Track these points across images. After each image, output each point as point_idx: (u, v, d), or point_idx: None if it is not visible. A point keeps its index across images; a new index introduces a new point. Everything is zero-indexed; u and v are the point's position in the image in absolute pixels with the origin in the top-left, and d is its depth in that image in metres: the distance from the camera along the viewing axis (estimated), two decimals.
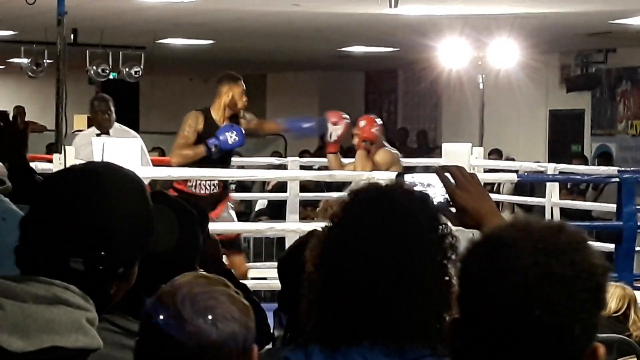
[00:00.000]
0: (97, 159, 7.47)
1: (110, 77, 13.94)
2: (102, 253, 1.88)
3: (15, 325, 1.76)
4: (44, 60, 13.70)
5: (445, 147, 9.18)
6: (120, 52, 13.82)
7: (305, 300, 2.09)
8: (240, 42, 15.00)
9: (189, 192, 7.53)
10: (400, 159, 8.69)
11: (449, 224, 2.20)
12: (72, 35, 12.46)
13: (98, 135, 8.66)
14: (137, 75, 14.01)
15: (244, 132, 7.66)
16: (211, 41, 15.00)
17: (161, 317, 1.86)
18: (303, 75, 20.32)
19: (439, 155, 10.10)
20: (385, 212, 2.09)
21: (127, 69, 13.83)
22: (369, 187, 2.17)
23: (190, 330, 1.83)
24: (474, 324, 1.63)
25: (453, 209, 2.31)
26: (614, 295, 5.25)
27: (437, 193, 2.32)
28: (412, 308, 2.04)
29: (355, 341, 2.05)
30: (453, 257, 2.11)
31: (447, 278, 2.08)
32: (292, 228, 7.48)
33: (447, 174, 2.31)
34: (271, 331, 2.96)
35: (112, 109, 8.89)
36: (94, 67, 13.67)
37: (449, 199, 2.31)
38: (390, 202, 2.11)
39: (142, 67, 13.91)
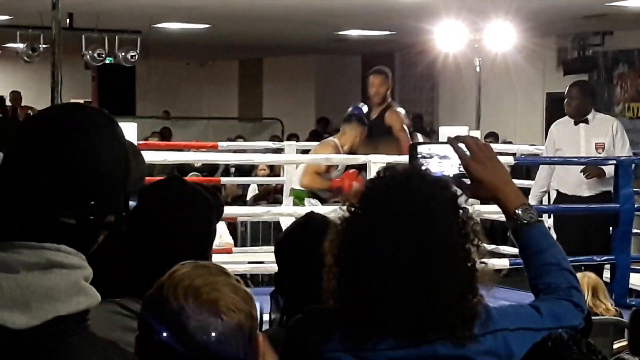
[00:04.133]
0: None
1: (106, 61, 13.90)
2: (92, 202, 1.74)
3: (14, 300, 1.66)
4: (40, 45, 13.64)
5: (442, 130, 9.17)
6: (116, 37, 13.77)
7: (325, 292, 2.09)
8: (237, 27, 14.97)
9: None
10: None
11: (464, 196, 2.17)
12: (67, 20, 12.43)
13: (576, 123, 8.08)
14: (133, 60, 13.97)
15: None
16: (207, 25, 14.97)
17: (164, 313, 1.81)
18: (299, 60, 20.29)
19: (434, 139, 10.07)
20: (404, 201, 2.06)
21: (123, 54, 13.79)
22: (385, 176, 2.13)
23: (195, 325, 1.80)
24: None
25: (467, 180, 2.28)
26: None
27: (452, 164, 2.27)
28: (437, 296, 2.03)
29: (380, 332, 2.05)
30: (475, 241, 2.09)
31: (470, 264, 2.07)
32: (289, 212, 7.47)
33: (462, 145, 2.28)
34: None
35: (583, 95, 8.14)
36: (90, 52, 13.62)
37: (464, 171, 2.27)
38: (408, 191, 2.08)
39: (138, 51, 13.87)
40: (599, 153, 7.90)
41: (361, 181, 7.78)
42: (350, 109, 8.69)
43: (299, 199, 8.03)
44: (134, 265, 2.37)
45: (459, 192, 2.17)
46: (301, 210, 6.23)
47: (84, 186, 1.74)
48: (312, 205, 7.83)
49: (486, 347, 2.10)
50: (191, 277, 1.85)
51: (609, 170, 7.71)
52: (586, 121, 8.09)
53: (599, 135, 8.02)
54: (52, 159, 1.73)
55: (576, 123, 8.10)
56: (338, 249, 2.09)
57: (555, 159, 8.03)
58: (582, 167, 7.86)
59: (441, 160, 2.28)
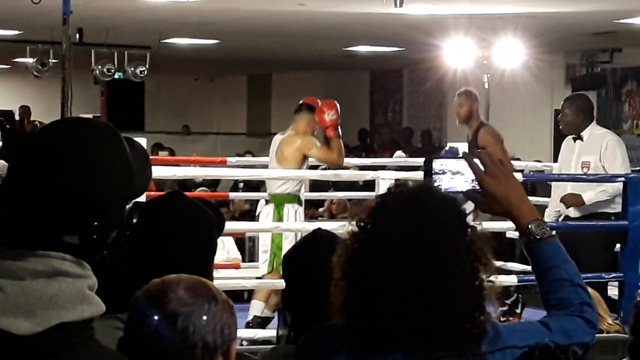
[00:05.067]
0: None
1: (116, 76, 13.94)
2: (95, 223, 1.75)
3: (18, 306, 1.68)
4: (50, 60, 13.69)
5: (451, 146, 9.17)
6: (126, 52, 13.81)
7: (332, 307, 2.09)
8: (246, 42, 15.00)
9: None
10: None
11: (477, 214, 2.16)
12: (77, 35, 12.46)
13: (574, 139, 7.75)
14: (142, 75, 14.00)
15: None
16: (216, 41, 15.00)
17: (150, 316, 1.86)
18: (308, 75, 20.31)
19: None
20: (412, 218, 2.07)
21: (132, 69, 13.83)
22: (395, 192, 2.14)
23: (173, 330, 1.84)
24: None
25: (481, 196, 2.27)
26: None
27: (466, 180, 2.27)
28: (444, 314, 2.03)
29: (387, 348, 2.05)
30: (483, 260, 2.08)
31: (477, 282, 2.07)
32: (297, 227, 7.47)
33: (476, 160, 2.27)
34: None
35: (574, 110, 7.76)
36: (100, 67, 13.67)
37: (478, 186, 2.27)
38: (417, 208, 2.08)
39: (147, 66, 13.91)
40: (584, 172, 7.60)
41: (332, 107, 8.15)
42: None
43: (279, 205, 7.92)
44: (135, 280, 2.37)
45: (469, 210, 2.17)
46: (310, 226, 6.22)
47: (86, 208, 1.74)
48: (293, 211, 7.84)
49: None
50: (173, 286, 1.90)
51: (589, 198, 7.54)
52: (581, 138, 7.74)
53: (588, 153, 7.67)
54: (52, 182, 1.73)
55: (575, 140, 7.79)
56: (346, 263, 2.09)
57: (563, 175, 7.99)
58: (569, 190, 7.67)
59: (453, 176, 2.27)
